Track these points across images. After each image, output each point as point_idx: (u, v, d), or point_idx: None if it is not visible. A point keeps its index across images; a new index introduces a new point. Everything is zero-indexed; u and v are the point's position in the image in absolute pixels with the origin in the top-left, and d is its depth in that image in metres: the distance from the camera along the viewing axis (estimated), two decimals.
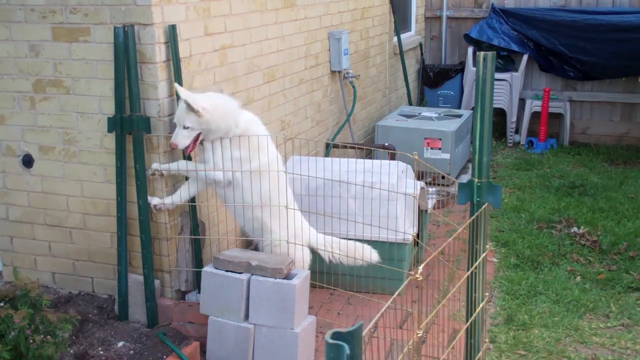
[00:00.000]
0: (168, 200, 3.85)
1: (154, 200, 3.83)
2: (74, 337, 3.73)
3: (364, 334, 1.47)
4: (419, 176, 5.19)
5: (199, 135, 3.74)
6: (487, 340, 3.87)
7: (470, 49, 8.56)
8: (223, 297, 3.66)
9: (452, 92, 8.76)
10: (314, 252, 4.05)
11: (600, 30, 7.89)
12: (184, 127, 3.67)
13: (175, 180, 3.98)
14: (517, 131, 8.52)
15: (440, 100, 8.82)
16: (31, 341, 3.04)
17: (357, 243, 4.03)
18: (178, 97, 3.73)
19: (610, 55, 7.93)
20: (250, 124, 3.88)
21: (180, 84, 3.82)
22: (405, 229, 4.44)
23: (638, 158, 7.92)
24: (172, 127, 3.85)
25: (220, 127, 3.74)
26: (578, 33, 8.04)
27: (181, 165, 3.85)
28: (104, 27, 3.74)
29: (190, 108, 3.61)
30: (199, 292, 3.94)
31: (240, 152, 3.81)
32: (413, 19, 8.86)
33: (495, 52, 2.61)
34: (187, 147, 3.74)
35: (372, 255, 4.01)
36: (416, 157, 3.34)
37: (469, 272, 2.63)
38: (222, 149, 3.79)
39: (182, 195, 3.88)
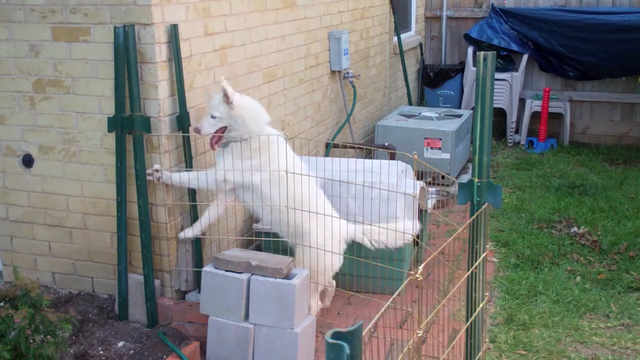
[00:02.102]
0: (197, 229, 3.95)
1: (187, 233, 3.92)
2: (74, 337, 3.73)
3: (364, 333, 1.47)
4: (419, 176, 5.19)
5: (224, 130, 3.84)
6: (487, 340, 3.87)
7: (470, 49, 8.56)
8: (223, 297, 3.66)
9: (452, 92, 8.76)
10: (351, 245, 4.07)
11: (600, 30, 7.88)
12: (212, 117, 3.82)
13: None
14: (517, 131, 8.52)
15: (440, 100, 8.82)
16: (31, 341, 3.04)
17: (391, 224, 4.04)
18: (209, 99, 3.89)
19: (610, 55, 7.93)
20: (271, 138, 3.92)
21: (182, 83, 3.83)
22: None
23: (638, 158, 7.92)
24: (172, 127, 3.86)
25: (245, 125, 3.83)
26: (578, 33, 8.04)
27: (183, 176, 3.86)
28: (104, 27, 3.74)
29: (226, 97, 3.76)
30: (199, 292, 3.94)
31: (260, 160, 3.86)
32: (413, 19, 8.86)
33: (495, 52, 2.61)
34: (212, 138, 3.87)
35: (412, 228, 4.04)
36: (416, 157, 3.34)
37: (469, 272, 2.64)
38: (242, 159, 3.83)
39: (202, 222, 3.98)
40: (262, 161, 3.86)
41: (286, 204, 3.84)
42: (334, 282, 4.28)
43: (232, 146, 3.87)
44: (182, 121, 3.88)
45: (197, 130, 3.85)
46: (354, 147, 6.27)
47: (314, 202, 3.89)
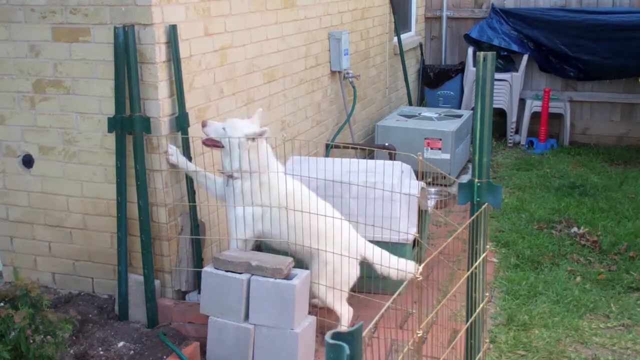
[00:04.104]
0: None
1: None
2: (74, 337, 3.73)
3: (364, 334, 1.47)
4: (420, 176, 5.18)
5: (220, 146, 3.83)
6: (487, 340, 3.87)
7: (470, 49, 8.56)
8: (223, 298, 3.66)
9: (452, 92, 8.76)
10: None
11: (600, 30, 7.89)
12: (224, 129, 3.81)
13: (176, 181, 3.98)
14: (517, 131, 8.52)
15: (440, 100, 8.82)
16: (31, 341, 3.04)
17: (404, 260, 4.11)
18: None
19: (610, 55, 7.93)
20: (276, 183, 3.90)
21: (181, 83, 3.83)
22: (405, 229, 4.44)
23: (638, 158, 7.92)
24: (172, 127, 3.87)
25: (235, 164, 3.79)
26: (578, 33, 8.04)
27: (191, 167, 3.91)
28: (104, 27, 3.74)
29: (252, 139, 3.75)
30: (199, 292, 3.94)
31: (270, 198, 3.86)
32: (413, 19, 8.86)
33: (495, 52, 2.61)
34: (207, 139, 3.86)
35: (410, 269, 4.06)
36: (420, 158, 3.35)
37: (469, 272, 2.64)
38: (252, 194, 3.83)
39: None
40: (272, 200, 3.88)
41: (301, 236, 3.87)
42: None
43: (234, 183, 3.84)
44: (181, 122, 3.89)
45: (203, 124, 3.86)
46: (354, 148, 6.27)
47: (330, 231, 3.90)
